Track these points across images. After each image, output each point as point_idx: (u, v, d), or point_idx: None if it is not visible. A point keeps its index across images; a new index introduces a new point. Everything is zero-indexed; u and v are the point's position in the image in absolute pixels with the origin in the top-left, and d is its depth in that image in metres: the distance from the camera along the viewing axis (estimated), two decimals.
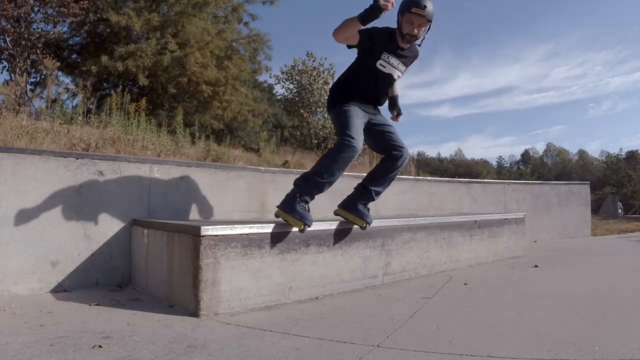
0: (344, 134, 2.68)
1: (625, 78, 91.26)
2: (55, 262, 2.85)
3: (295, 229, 2.68)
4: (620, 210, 19.24)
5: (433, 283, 3.20)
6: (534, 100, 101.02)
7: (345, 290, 2.92)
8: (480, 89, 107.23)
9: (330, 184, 2.75)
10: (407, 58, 2.98)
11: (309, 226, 2.68)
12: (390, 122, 3.12)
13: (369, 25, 2.65)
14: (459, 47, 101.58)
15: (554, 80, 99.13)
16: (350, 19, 2.60)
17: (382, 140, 2.96)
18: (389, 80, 2.96)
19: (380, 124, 2.97)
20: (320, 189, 2.76)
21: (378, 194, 3.00)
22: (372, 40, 2.80)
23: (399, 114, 3.22)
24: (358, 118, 2.79)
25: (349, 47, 2.83)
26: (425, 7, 2.71)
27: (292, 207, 2.69)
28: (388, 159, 2.95)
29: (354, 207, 2.99)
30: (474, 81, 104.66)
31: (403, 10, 2.78)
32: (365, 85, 2.90)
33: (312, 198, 2.78)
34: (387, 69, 2.88)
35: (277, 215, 2.78)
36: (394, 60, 2.88)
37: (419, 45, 3.01)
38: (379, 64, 2.84)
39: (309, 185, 2.73)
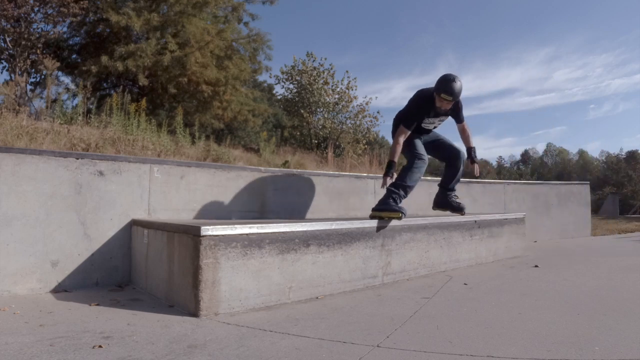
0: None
1: (626, 80, 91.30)
2: (55, 262, 2.85)
3: (296, 229, 2.69)
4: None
5: (433, 283, 3.20)
6: (536, 101, 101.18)
7: (345, 290, 2.92)
8: (482, 91, 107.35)
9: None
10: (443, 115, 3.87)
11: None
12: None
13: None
14: (461, 50, 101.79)
15: (555, 82, 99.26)
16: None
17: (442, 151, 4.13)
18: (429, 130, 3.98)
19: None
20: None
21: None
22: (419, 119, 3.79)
23: (472, 162, 4.06)
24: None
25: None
26: (452, 94, 3.53)
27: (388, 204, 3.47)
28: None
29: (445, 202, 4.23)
30: (476, 83, 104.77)
31: (436, 91, 3.59)
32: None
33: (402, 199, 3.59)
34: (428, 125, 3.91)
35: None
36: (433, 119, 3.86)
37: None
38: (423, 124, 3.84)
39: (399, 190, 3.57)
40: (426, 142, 4.00)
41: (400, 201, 3.57)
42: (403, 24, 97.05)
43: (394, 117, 4.01)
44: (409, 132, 3.72)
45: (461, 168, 4.10)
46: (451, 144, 4.12)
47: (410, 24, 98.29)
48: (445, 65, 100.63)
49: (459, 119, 4.01)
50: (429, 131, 4.02)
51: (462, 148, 4.09)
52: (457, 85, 3.54)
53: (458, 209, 4.19)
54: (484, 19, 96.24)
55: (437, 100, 3.62)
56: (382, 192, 5.14)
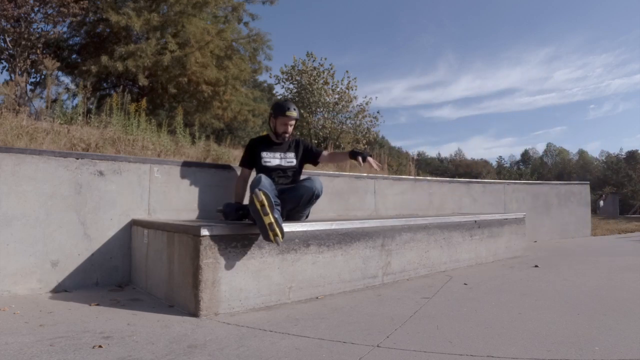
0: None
1: (626, 80, 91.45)
2: (55, 262, 2.85)
3: (296, 229, 2.69)
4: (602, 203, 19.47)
5: (433, 283, 3.20)
6: (536, 101, 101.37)
7: (345, 290, 2.92)
8: (482, 91, 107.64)
9: None
10: (287, 146, 3.47)
11: None
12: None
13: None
14: (462, 50, 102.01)
15: (555, 82, 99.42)
16: None
17: None
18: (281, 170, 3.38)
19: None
20: None
21: None
22: (253, 151, 3.42)
23: (364, 159, 3.20)
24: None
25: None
26: (295, 110, 3.38)
27: None
28: None
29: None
30: (476, 83, 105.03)
31: (276, 115, 3.38)
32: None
33: None
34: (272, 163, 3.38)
35: None
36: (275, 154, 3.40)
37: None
38: (263, 161, 3.36)
39: None
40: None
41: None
42: (403, 24, 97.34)
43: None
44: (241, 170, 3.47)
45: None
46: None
47: (410, 24, 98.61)
48: (445, 65, 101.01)
49: (315, 155, 3.50)
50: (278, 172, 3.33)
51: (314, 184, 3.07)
52: (293, 105, 3.40)
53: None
54: (484, 19, 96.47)
55: (278, 125, 3.36)
56: (382, 193, 5.15)
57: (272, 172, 3.30)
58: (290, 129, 3.42)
